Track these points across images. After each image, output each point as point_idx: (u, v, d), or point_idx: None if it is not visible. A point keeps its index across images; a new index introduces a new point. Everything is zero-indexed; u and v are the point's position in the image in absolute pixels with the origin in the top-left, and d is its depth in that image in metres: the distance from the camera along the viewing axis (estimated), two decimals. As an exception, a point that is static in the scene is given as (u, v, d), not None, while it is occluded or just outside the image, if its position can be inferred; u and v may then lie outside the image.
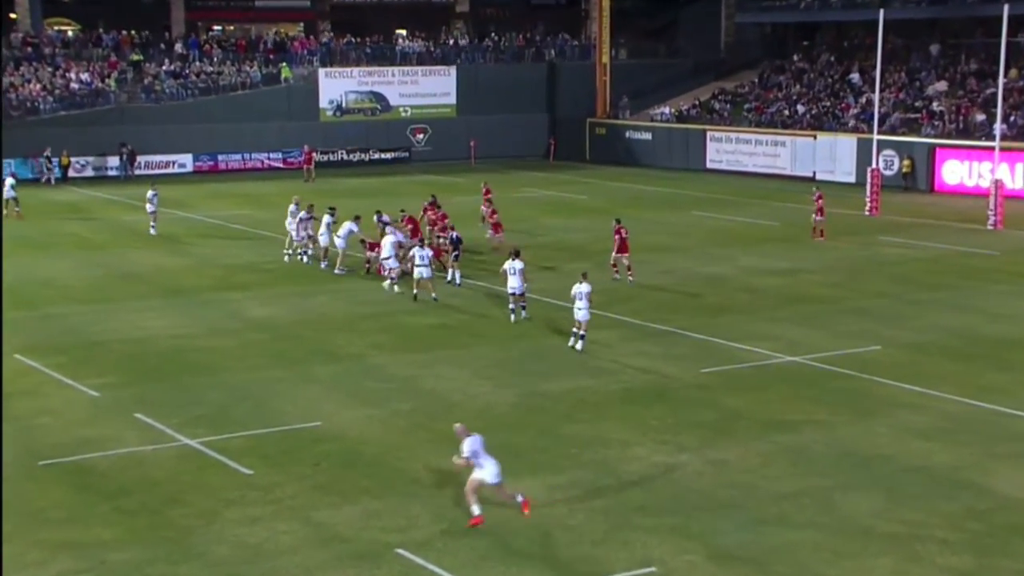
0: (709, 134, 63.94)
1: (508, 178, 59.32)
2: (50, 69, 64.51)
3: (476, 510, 16.81)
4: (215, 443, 20.29)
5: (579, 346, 26.18)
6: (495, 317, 29.75)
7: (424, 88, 69.22)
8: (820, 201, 40.90)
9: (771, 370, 25.16)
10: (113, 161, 60.49)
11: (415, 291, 31.29)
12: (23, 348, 26.30)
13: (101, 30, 69.71)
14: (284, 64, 67.73)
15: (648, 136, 67.17)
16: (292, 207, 37.89)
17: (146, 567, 15.67)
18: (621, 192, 55.87)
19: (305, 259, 36.91)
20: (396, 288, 32.34)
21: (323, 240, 35.86)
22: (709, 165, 63.44)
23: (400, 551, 16.04)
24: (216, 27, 79.71)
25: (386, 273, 33.04)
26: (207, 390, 23.56)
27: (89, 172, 59.93)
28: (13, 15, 70.98)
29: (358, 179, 59.24)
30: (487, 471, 16.77)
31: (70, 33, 73.28)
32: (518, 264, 28.57)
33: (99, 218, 47.66)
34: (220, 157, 63.49)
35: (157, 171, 59.94)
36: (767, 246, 40.50)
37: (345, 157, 66.02)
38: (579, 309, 26.04)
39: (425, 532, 16.69)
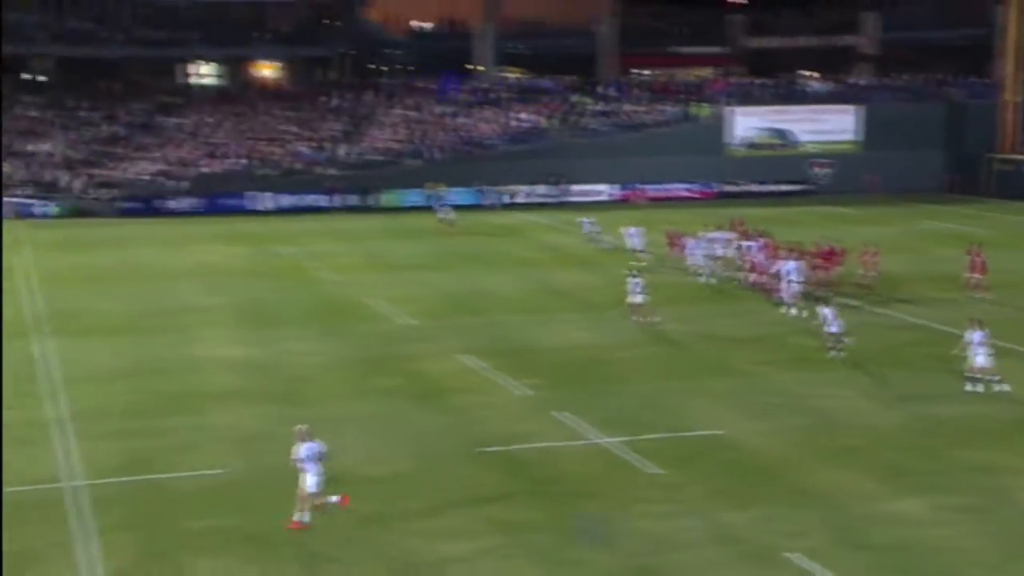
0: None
1: (907, 210, 56.96)
2: (501, 111, 68.38)
3: (300, 517, 16.49)
4: (626, 443, 20.65)
5: (995, 388, 23.71)
6: (880, 344, 28.52)
7: (827, 125, 67.59)
8: None
9: None
10: (546, 189, 63.00)
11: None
12: (470, 349, 27.86)
13: (543, 77, 73.26)
14: (698, 103, 68.29)
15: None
16: (715, 234, 38.45)
17: (563, 550, 16.16)
18: (1020, 226, 52.07)
19: (710, 279, 36.91)
20: (794, 311, 31.68)
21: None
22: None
23: (790, 555, 15.72)
24: (641, 72, 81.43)
25: (785, 297, 32.45)
26: (619, 396, 23.98)
27: (525, 199, 62.64)
28: (475, 66, 76.08)
29: (761, 208, 58.49)
30: (309, 479, 16.43)
31: (518, 80, 77.38)
32: (829, 311, 26.96)
33: (532, 239, 49.63)
34: (638, 187, 64.62)
35: (582, 199, 61.81)
36: None
37: (749, 188, 65.54)
38: (977, 355, 23.87)
39: (816, 540, 16.26)
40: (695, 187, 65.08)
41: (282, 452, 17.72)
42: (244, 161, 63.22)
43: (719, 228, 40.28)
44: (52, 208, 58.60)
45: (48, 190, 60.80)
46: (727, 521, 17.02)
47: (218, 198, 59.74)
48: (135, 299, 34.93)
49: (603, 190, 64.23)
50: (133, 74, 78.00)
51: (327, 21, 77.50)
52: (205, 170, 62.43)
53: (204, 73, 79.88)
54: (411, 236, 49.41)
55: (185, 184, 60.97)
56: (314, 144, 65.46)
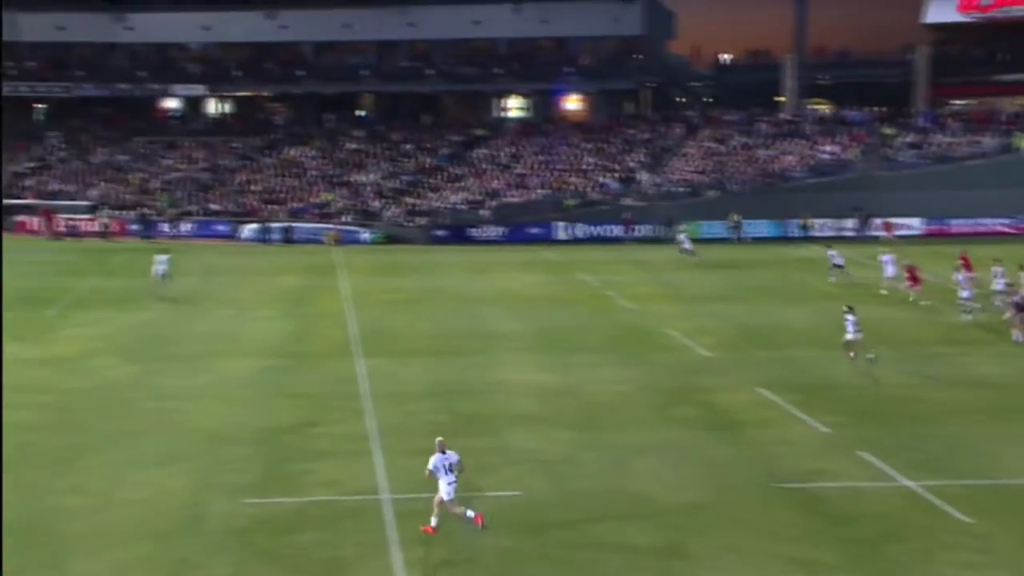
0: None
1: None
2: (805, 143, 66.71)
3: (432, 521, 17.10)
4: (934, 488, 19.48)
5: None
6: None
7: None
8: None
9: None
10: (849, 223, 60.83)
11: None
12: (766, 383, 27.18)
13: (849, 108, 70.96)
14: (1018, 133, 64.01)
15: None
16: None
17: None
18: None
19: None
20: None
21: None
22: None
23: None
24: (957, 102, 77.39)
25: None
26: (924, 437, 22.67)
27: (827, 232, 60.69)
28: (780, 98, 74.98)
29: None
30: (442, 487, 16.99)
31: (824, 111, 75.37)
32: None
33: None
34: (949, 222, 61.32)
35: (886, 233, 59.21)
36: None
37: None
38: None
39: None
40: (1012, 222, 61.02)
41: (583, 477, 17.81)
42: (547, 191, 64.69)
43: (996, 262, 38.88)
44: (369, 235, 61.98)
45: (367, 218, 64.43)
46: (1045, 578, 15.74)
47: (521, 227, 61.39)
48: (441, 322, 36.24)
49: (916, 224, 61.34)
50: (448, 108, 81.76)
51: (633, 56, 78.27)
52: (511, 199, 64.32)
53: (513, 106, 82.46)
54: (708, 268, 48.93)
55: (488, 213, 63.03)
56: (616, 175, 66.14)
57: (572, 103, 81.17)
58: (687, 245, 51.82)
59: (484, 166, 70.30)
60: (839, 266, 44.44)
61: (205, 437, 22.92)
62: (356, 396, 26.39)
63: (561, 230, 61.72)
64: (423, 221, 63.40)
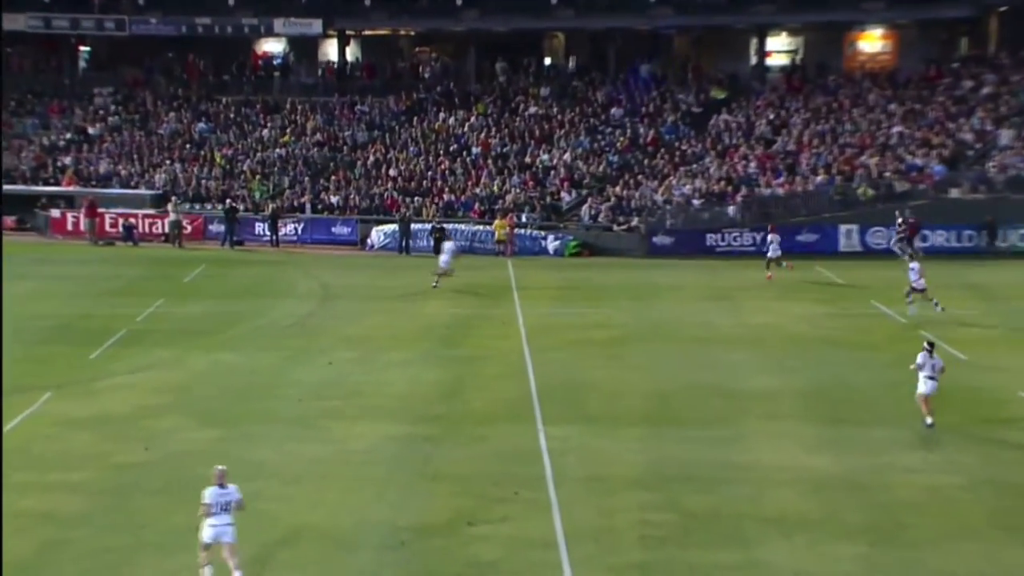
0: None
1: None
2: None
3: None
4: None
5: None
6: None
7: None
8: None
9: None
10: None
11: None
12: None
13: None
14: None
15: None
16: None
17: None
18: None
19: None
20: None
21: None
22: None
23: None
24: None
25: None
26: None
27: None
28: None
29: None
30: (206, 531, 20.66)
31: None
32: None
33: None
34: None
35: None
36: None
37: None
38: None
39: None
40: None
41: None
42: (827, 178, 64.01)
43: None
44: (557, 242, 62.44)
45: (554, 217, 65.04)
46: None
47: (785, 232, 60.63)
48: (662, 374, 36.40)
49: None
50: (678, 54, 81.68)
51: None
52: (770, 190, 63.77)
53: (776, 49, 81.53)
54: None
55: (735, 210, 62.63)
56: (938, 151, 64.76)
57: (868, 42, 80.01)
58: None
59: (730, 140, 69.98)
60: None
61: (314, 538, 23.31)
62: (536, 481, 26.50)
63: (845, 236, 60.94)
64: (636, 222, 63.46)
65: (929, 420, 30.02)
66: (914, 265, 45.66)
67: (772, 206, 62.78)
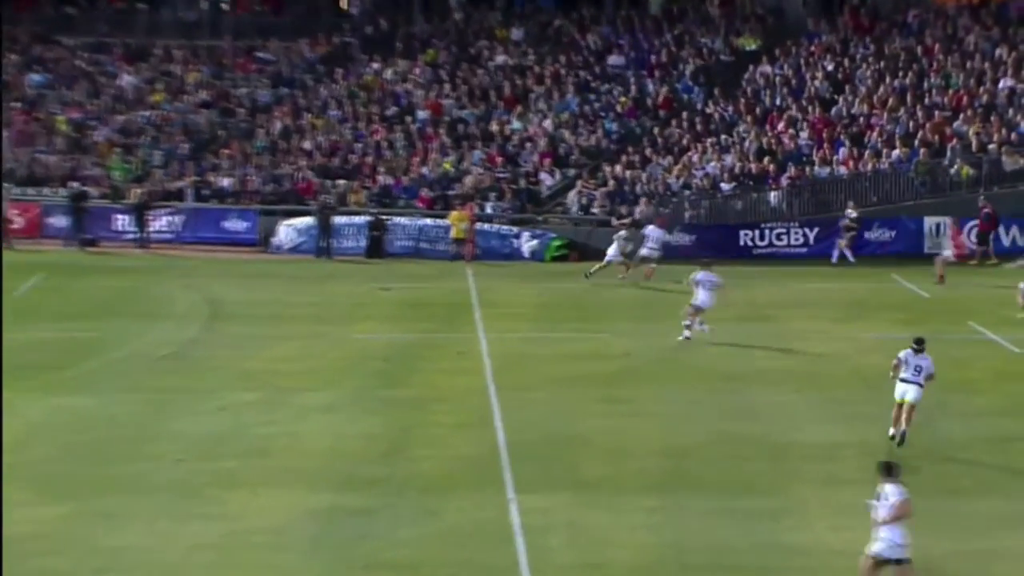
0: None
1: None
2: None
3: None
4: None
5: None
6: None
7: None
8: None
9: None
10: None
11: None
12: None
13: None
14: None
15: None
16: None
17: None
18: None
19: None
20: None
21: None
22: None
23: None
24: None
25: None
26: None
27: None
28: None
29: None
30: None
31: None
32: None
33: None
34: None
35: None
36: None
37: None
38: None
39: None
40: None
41: None
42: (905, 152, 64.39)
43: None
44: (535, 241, 62.89)
45: (531, 206, 65.38)
46: None
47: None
48: (679, 422, 36.70)
49: None
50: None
51: None
52: (828, 169, 64.23)
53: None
54: None
55: (777, 197, 63.14)
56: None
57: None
58: None
59: (773, 102, 70.30)
60: None
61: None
62: (507, 572, 26.53)
63: (932, 233, 61.27)
64: (641, 214, 63.64)
65: (892, 431, 30.79)
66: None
67: (830, 191, 63.12)
